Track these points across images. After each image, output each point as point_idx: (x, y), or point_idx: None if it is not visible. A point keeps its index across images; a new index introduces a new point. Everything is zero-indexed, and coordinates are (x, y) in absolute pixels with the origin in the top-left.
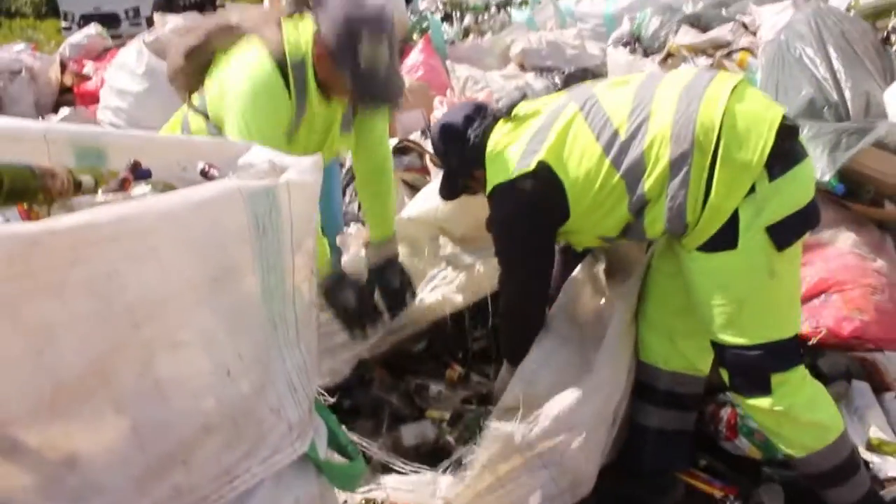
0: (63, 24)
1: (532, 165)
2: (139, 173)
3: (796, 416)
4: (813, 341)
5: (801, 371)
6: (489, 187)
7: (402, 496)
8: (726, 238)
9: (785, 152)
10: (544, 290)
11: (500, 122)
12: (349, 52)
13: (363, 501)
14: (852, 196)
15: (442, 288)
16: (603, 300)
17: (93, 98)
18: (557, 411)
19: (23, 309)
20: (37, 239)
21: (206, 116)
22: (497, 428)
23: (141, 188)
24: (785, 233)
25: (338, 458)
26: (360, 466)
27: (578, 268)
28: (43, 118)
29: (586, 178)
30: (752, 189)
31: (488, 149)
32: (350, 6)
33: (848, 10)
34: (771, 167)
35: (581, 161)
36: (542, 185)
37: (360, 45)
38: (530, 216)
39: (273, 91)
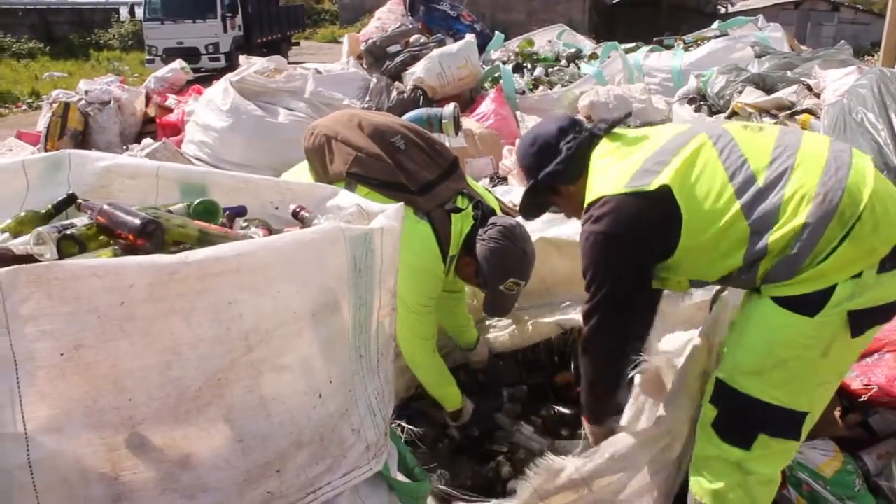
0: (147, 56)
1: (651, 185)
2: (233, 210)
3: (749, 483)
4: (864, 398)
5: (790, 445)
6: (591, 197)
7: None
8: (810, 304)
9: None
10: (637, 328)
11: (605, 140)
12: (494, 283)
13: None
14: None
15: (493, 332)
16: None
17: (174, 129)
18: (613, 451)
19: (157, 328)
20: (174, 269)
21: None
22: (552, 459)
23: (238, 224)
24: (863, 321)
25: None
26: (426, 487)
27: None
28: (127, 147)
29: (710, 215)
30: (859, 274)
31: (593, 162)
32: (508, 257)
33: None
34: (884, 260)
35: (708, 196)
36: (658, 209)
37: (504, 283)
38: (636, 238)
39: (438, 274)
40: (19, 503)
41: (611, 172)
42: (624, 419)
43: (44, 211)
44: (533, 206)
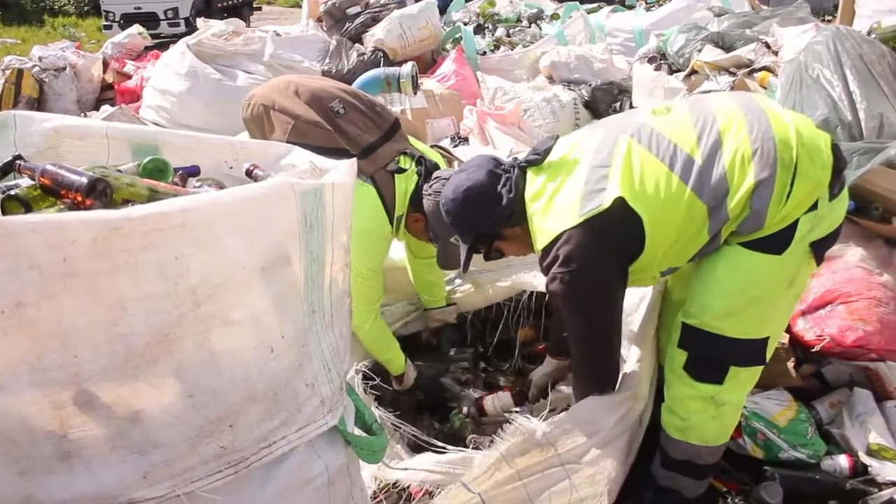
0: (104, 22)
1: (606, 203)
2: (186, 170)
3: (722, 412)
4: (816, 349)
5: (757, 370)
6: (546, 238)
7: (423, 476)
8: (777, 243)
9: (839, 173)
10: (620, 339)
11: (531, 173)
12: (443, 236)
13: (383, 483)
14: (861, 212)
15: (455, 296)
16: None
17: (133, 96)
18: (580, 415)
19: (102, 284)
20: (117, 224)
21: None
22: (520, 423)
23: (192, 183)
24: (823, 249)
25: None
26: (383, 441)
27: None
28: (85, 115)
29: (667, 209)
30: (815, 205)
31: (529, 202)
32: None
33: (869, 33)
34: (832, 187)
35: (658, 192)
36: (619, 222)
37: (453, 234)
38: (611, 260)
39: (385, 236)
40: None
41: (556, 207)
42: None
43: None
44: (471, 258)
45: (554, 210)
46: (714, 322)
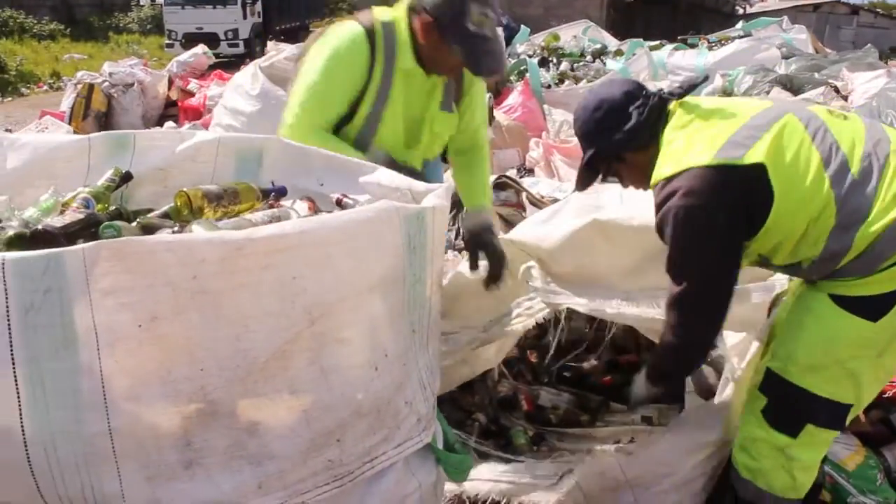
0: (166, 41)
1: (745, 159)
2: (277, 190)
3: (791, 467)
4: (889, 394)
5: (831, 435)
6: (671, 168)
7: (488, 486)
8: (872, 308)
9: None
10: (722, 318)
11: (678, 109)
12: (458, 18)
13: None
14: None
15: (524, 319)
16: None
17: (195, 113)
18: (658, 452)
19: (227, 301)
20: (241, 245)
21: None
22: (597, 455)
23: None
24: None
25: None
26: (469, 461)
27: None
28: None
29: (803, 203)
30: None
31: (667, 133)
32: None
33: None
34: None
35: (803, 182)
36: (750, 186)
37: (468, 9)
38: (730, 214)
39: (354, 46)
40: (99, 470)
41: (694, 143)
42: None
43: (102, 186)
44: (590, 176)
45: (691, 145)
46: (796, 371)
